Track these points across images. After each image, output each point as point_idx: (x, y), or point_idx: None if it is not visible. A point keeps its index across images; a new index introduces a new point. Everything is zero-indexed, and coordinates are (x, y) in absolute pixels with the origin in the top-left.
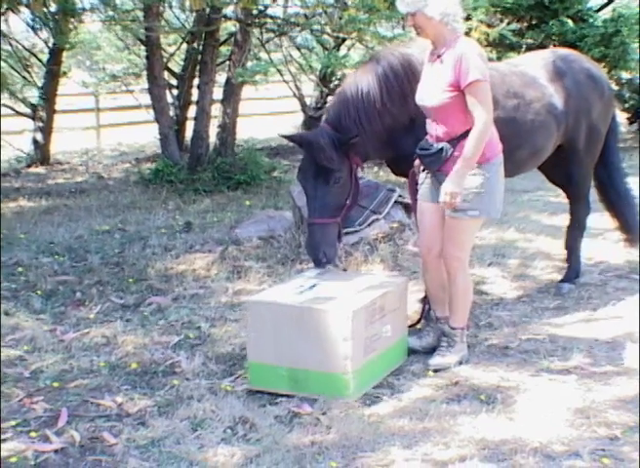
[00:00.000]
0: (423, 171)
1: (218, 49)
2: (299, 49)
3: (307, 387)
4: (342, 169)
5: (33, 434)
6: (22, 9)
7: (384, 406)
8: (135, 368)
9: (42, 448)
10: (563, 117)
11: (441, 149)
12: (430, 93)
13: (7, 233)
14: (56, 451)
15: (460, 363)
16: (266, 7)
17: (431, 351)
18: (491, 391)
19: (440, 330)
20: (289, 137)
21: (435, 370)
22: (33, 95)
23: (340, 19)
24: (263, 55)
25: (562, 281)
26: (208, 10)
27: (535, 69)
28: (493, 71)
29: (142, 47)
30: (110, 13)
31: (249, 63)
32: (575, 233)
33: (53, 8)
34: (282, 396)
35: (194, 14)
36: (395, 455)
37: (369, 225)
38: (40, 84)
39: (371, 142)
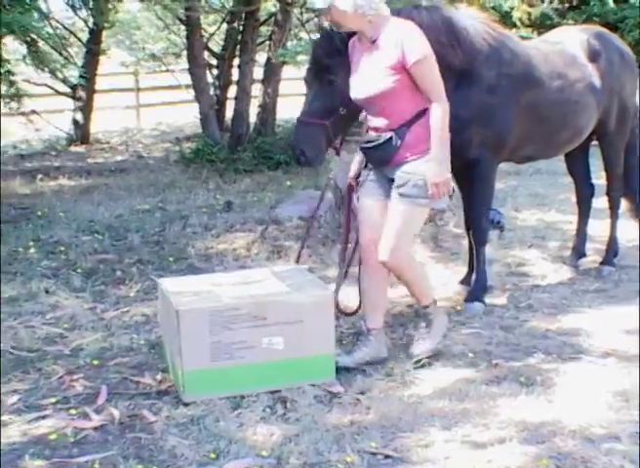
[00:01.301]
0: (365, 167)
1: (258, 29)
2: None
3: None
4: (339, 71)
5: (73, 411)
6: None
7: (424, 387)
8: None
9: (81, 424)
10: (601, 97)
11: (389, 139)
12: (369, 82)
13: (47, 211)
14: (95, 429)
15: (445, 336)
16: None
17: (364, 366)
18: (530, 373)
19: (372, 341)
20: (319, 27)
21: (429, 357)
22: (73, 74)
23: None
24: (304, 34)
25: (602, 263)
26: None
27: (573, 48)
28: (534, 50)
29: (182, 27)
30: None
31: (289, 43)
32: (611, 215)
33: None
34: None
35: None
36: (434, 436)
37: None
38: (80, 63)
39: None
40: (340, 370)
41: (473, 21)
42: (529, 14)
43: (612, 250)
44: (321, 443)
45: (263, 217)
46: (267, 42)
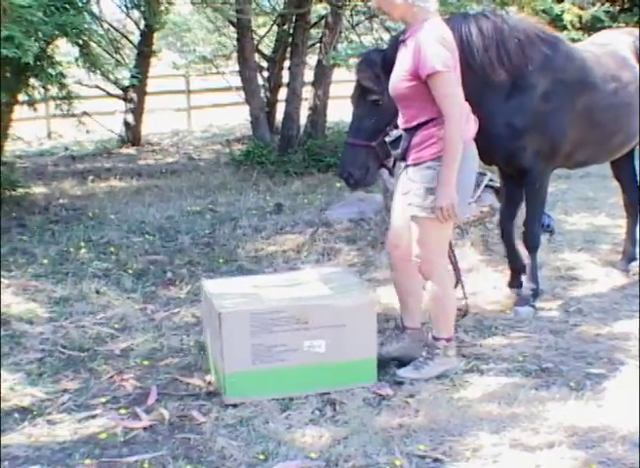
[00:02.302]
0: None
1: (308, 31)
2: (389, 31)
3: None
4: (385, 92)
5: (123, 411)
6: None
7: (473, 390)
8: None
9: (131, 424)
10: None
11: (399, 137)
12: (394, 80)
13: (98, 212)
14: (145, 429)
15: (439, 377)
16: None
17: (395, 360)
18: (580, 378)
19: (406, 339)
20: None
21: (438, 377)
22: (124, 76)
23: None
24: (354, 37)
25: None
26: None
27: (623, 49)
28: (588, 53)
29: (233, 29)
30: None
31: (339, 46)
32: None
33: None
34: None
35: None
36: (483, 440)
37: None
38: (131, 65)
39: None
40: (388, 373)
41: (526, 27)
42: (580, 17)
43: None
44: (370, 445)
45: (313, 220)
46: (318, 44)
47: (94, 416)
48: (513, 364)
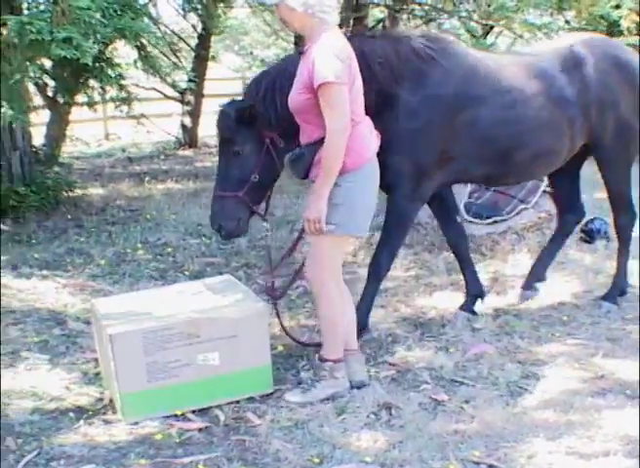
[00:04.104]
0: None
1: None
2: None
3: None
4: (244, 142)
5: (178, 412)
6: None
7: (529, 397)
8: (280, 350)
9: (186, 426)
10: (579, 112)
11: (302, 153)
12: (291, 94)
13: (155, 214)
14: (200, 430)
15: (328, 399)
16: None
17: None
18: (637, 385)
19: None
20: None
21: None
22: (182, 79)
23: (489, 5)
24: None
25: None
26: None
27: (546, 58)
28: (485, 63)
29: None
30: None
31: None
32: (620, 247)
33: None
34: (426, 383)
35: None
36: (538, 447)
37: (517, 214)
38: (189, 68)
39: (288, 124)
40: (444, 378)
41: (398, 47)
42: (637, 23)
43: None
44: (425, 450)
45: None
46: None
47: (150, 418)
48: (569, 370)
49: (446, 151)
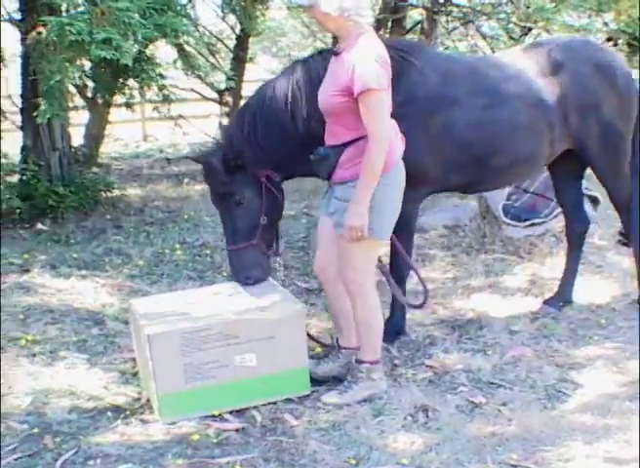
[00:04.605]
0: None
1: (404, 37)
2: (484, 38)
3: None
4: (243, 189)
5: (215, 413)
6: None
7: (566, 400)
8: (318, 351)
9: (224, 426)
10: (558, 116)
11: (327, 155)
12: (323, 95)
13: (193, 215)
14: (237, 431)
15: (364, 401)
16: None
17: (335, 380)
18: None
19: (342, 359)
20: (193, 159)
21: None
22: (220, 79)
23: (528, 7)
24: (449, 43)
25: None
26: None
27: (522, 61)
28: (460, 66)
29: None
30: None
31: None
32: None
33: None
34: (463, 385)
35: (381, 1)
36: (576, 451)
37: (555, 217)
38: (227, 69)
39: (279, 154)
40: (482, 381)
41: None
42: None
43: None
44: (461, 453)
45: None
46: None
47: (188, 419)
48: (607, 374)
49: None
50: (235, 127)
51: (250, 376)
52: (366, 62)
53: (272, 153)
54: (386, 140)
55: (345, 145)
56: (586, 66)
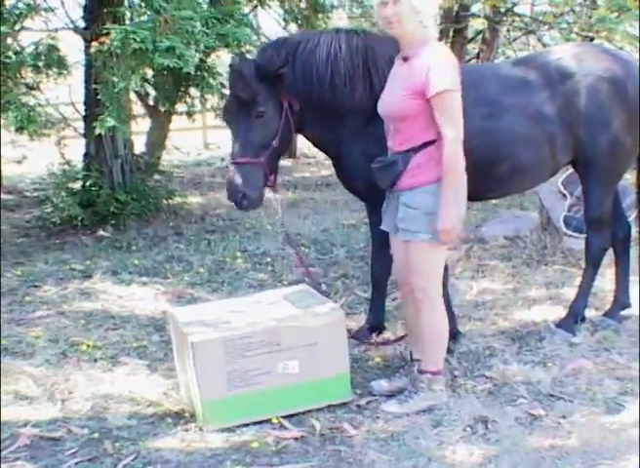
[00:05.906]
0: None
1: (466, 46)
2: (545, 47)
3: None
4: (267, 103)
5: (275, 421)
6: (272, 4)
7: (628, 414)
8: (378, 361)
9: (283, 434)
10: (560, 128)
11: (395, 161)
12: (392, 99)
13: (254, 223)
14: (296, 439)
15: (424, 411)
16: (514, 5)
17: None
18: None
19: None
20: (233, 58)
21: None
22: None
23: (590, 17)
24: (511, 53)
25: None
26: (456, 7)
27: (528, 71)
28: (469, 75)
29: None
30: (356, 9)
31: (496, 62)
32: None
33: (303, 3)
34: (522, 397)
35: (442, 11)
36: (636, 465)
37: None
38: None
39: (308, 94)
40: (541, 393)
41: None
42: None
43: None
44: (520, 466)
45: (469, 236)
46: (475, 60)
47: (246, 425)
48: None
49: None
50: (288, 46)
51: (292, 383)
52: (441, 65)
53: (310, 95)
54: (460, 142)
55: (414, 151)
56: (595, 78)
